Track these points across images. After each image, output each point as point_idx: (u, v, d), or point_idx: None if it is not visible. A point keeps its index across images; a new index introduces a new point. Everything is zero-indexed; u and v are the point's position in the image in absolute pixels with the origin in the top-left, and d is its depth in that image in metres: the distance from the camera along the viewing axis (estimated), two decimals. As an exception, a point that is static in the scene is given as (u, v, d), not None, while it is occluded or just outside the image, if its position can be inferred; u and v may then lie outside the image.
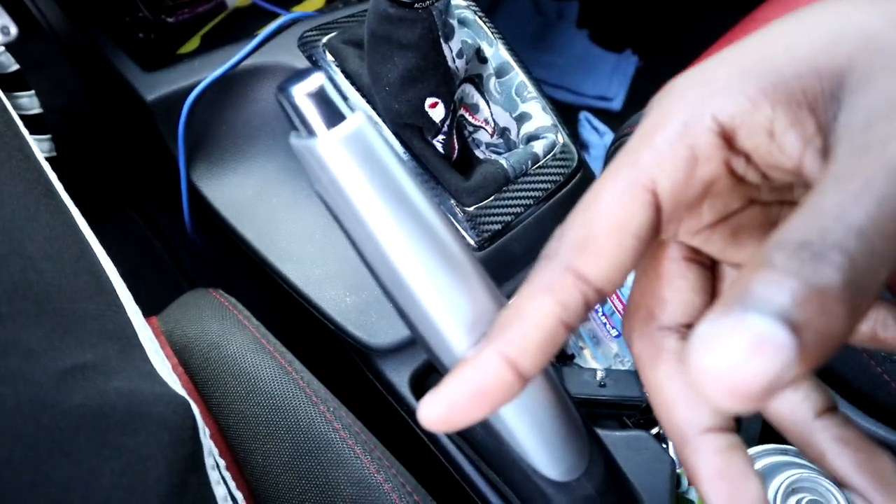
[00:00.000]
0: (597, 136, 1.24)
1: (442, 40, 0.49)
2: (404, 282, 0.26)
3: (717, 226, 0.25)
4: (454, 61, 0.51)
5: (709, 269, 0.26)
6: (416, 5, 0.46)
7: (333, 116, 0.26)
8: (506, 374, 0.20)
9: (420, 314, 0.26)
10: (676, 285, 0.25)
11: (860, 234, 0.16)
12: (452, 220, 0.56)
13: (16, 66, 0.60)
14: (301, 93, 0.26)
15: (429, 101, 0.51)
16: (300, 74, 0.27)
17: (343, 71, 0.60)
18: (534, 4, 1.57)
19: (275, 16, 0.82)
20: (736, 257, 0.25)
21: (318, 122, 0.26)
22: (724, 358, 0.15)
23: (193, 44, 0.79)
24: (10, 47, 0.61)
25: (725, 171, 0.22)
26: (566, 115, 1.33)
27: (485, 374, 0.20)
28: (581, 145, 1.27)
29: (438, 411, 0.20)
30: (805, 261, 0.16)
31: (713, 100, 0.22)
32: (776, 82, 0.21)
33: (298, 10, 0.82)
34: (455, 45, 0.50)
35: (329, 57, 0.61)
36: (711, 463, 0.22)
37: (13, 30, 0.60)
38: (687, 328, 0.25)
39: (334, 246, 0.63)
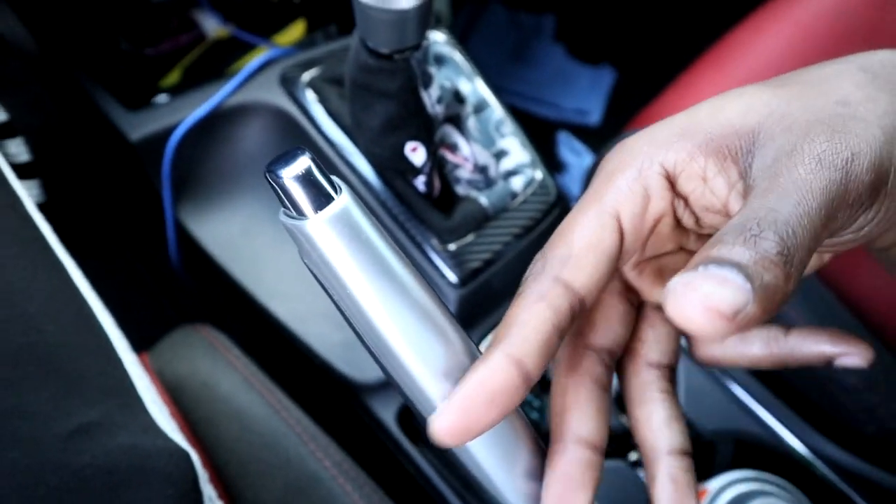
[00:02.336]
0: (575, 156, 1.26)
1: (421, 88, 0.51)
2: (391, 349, 0.28)
3: (650, 262, 0.30)
4: (433, 107, 0.53)
5: (635, 309, 0.31)
6: (394, 56, 0.47)
7: (321, 198, 0.28)
8: (513, 375, 0.23)
9: (402, 372, 0.28)
10: (607, 314, 0.30)
11: (786, 224, 0.22)
12: (436, 257, 0.58)
13: (4, 116, 0.60)
14: (289, 175, 0.27)
15: (409, 145, 0.53)
16: (287, 155, 0.29)
17: (326, 110, 0.62)
18: (511, 18, 1.59)
19: (254, 47, 0.83)
20: (656, 296, 0.31)
21: (307, 205, 0.27)
22: (700, 289, 0.20)
23: (174, 77, 0.81)
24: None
25: (670, 210, 0.28)
26: (544, 130, 1.35)
27: (494, 374, 0.23)
28: (559, 166, 1.29)
29: (452, 419, 0.23)
30: (748, 237, 0.21)
31: (659, 152, 0.27)
32: (707, 140, 0.27)
33: (277, 42, 0.83)
34: (434, 91, 0.52)
35: (311, 95, 0.63)
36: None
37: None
38: (607, 354, 0.30)
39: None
